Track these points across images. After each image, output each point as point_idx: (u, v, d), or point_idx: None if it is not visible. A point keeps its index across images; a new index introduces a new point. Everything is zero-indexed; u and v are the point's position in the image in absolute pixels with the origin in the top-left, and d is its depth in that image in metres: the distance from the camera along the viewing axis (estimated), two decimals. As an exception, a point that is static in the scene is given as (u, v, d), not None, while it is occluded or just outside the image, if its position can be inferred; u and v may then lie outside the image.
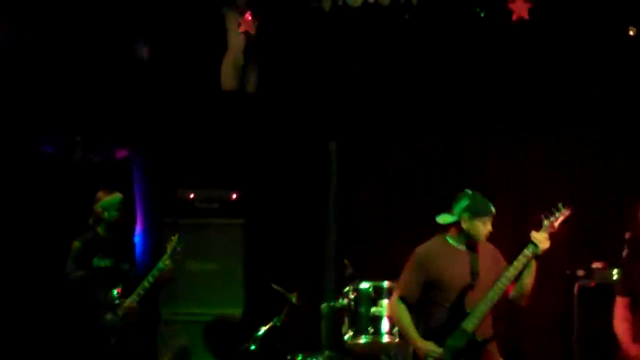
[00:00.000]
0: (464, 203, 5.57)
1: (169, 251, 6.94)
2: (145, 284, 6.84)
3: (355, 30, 8.30)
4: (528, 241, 5.42)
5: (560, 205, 5.49)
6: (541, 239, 5.39)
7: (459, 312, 5.46)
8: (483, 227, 5.54)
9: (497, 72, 8.06)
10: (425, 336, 5.54)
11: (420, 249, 5.71)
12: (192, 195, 8.54)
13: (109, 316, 6.76)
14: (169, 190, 8.61)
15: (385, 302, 6.76)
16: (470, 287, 5.47)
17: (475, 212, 5.53)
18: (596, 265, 6.92)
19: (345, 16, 8.20)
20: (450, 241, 5.62)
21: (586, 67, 7.79)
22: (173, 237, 7.01)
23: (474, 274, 5.50)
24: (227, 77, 8.32)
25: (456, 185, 7.18)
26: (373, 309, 6.79)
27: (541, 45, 7.87)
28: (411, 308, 5.63)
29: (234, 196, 8.52)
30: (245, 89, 8.40)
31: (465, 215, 5.53)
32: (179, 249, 6.98)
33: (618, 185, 7.41)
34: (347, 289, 6.96)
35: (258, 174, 8.61)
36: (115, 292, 6.81)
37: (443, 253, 5.59)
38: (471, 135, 8.17)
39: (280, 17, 8.44)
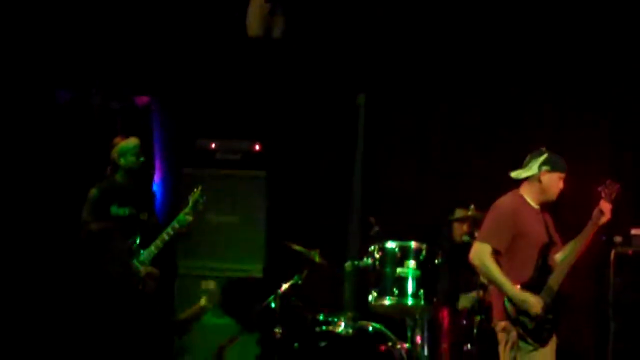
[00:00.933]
0: (543, 157, 5.68)
1: (190, 204, 6.87)
2: (165, 236, 6.77)
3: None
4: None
5: (607, 182, 5.58)
6: (608, 209, 5.49)
7: (545, 268, 5.51)
8: (559, 183, 5.68)
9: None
10: None
11: (505, 202, 5.76)
12: (213, 146, 8.50)
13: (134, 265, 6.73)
14: (190, 139, 8.57)
15: (411, 263, 6.70)
16: (550, 244, 5.55)
17: (554, 166, 5.65)
18: (635, 231, 6.92)
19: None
20: (527, 198, 5.70)
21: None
22: (196, 190, 6.95)
23: (549, 234, 5.62)
24: (253, 22, 8.29)
25: (491, 146, 7.12)
26: (399, 270, 6.70)
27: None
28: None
29: (257, 147, 8.48)
30: (272, 36, 8.35)
31: (546, 168, 5.62)
32: (201, 201, 6.91)
33: None
34: (372, 247, 6.87)
35: (282, 125, 8.58)
36: (136, 243, 6.77)
37: (524, 209, 5.69)
38: (507, 98, 8.14)
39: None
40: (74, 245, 7.10)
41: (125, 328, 6.68)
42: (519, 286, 5.46)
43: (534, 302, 5.41)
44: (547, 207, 5.70)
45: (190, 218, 6.82)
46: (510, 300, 5.47)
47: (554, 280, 5.47)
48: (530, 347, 5.41)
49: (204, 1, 8.43)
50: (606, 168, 6.22)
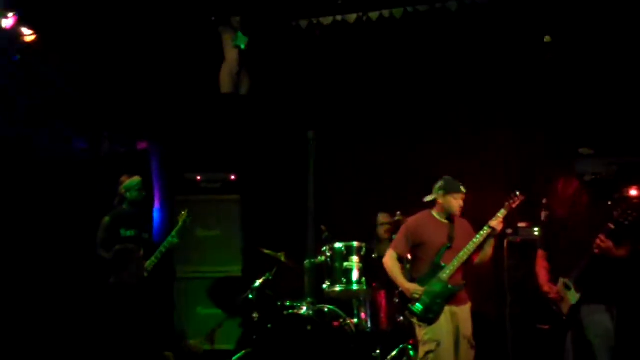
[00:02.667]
0: (439, 184, 5.87)
1: (180, 224, 6.96)
2: (162, 249, 6.86)
3: (327, 42, 8.27)
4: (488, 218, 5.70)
5: (517, 192, 5.78)
6: (495, 224, 5.71)
7: (437, 265, 5.69)
8: (455, 202, 5.81)
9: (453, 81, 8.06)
10: (411, 282, 5.76)
11: (411, 220, 6.00)
12: (198, 177, 8.53)
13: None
14: (180, 173, 8.58)
15: (354, 258, 6.83)
16: (447, 248, 5.71)
17: (447, 190, 5.81)
18: (522, 224, 6.97)
19: (319, 31, 8.17)
20: (434, 214, 5.88)
21: (507, 80, 7.80)
22: (183, 212, 7.04)
23: (450, 239, 5.76)
24: (225, 82, 8.33)
25: (413, 173, 7.27)
26: (345, 264, 6.84)
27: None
28: (401, 261, 5.88)
29: (232, 177, 8.52)
30: (239, 92, 8.39)
31: (441, 192, 5.82)
32: (188, 221, 7.00)
33: (537, 167, 7.43)
34: (324, 248, 7.00)
35: (252, 159, 8.62)
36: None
37: (428, 223, 5.87)
38: (430, 130, 8.14)
39: (266, 34, 8.38)
40: (87, 260, 7.08)
41: (140, 319, 6.71)
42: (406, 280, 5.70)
43: (416, 289, 5.62)
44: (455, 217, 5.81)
45: (176, 241, 6.91)
46: (400, 295, 5.77)
47: (444, 274, 5.63)
48: (424, 324, 5.61)
49: (187, 67, 8.39)
50: (502, 178, 6.31)
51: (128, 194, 6.92)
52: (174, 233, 6.91)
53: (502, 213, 5.72)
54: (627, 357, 5.67)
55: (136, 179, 6.98)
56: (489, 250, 5.77)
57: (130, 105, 8.34)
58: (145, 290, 6.80)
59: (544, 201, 6.45)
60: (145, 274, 6.79)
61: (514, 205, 5.74)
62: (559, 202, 5.75)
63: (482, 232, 5.69)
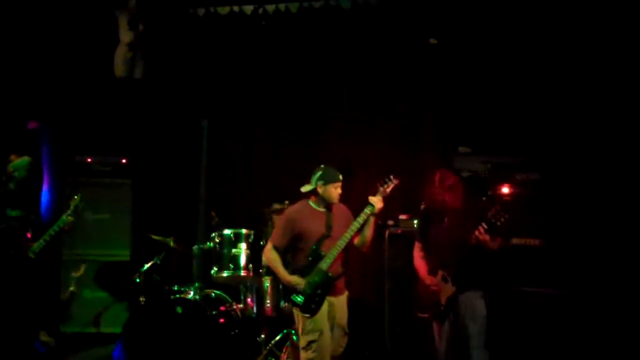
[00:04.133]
0: (318, 173, 5.80)
1: (72, 207, 6.82)
2: (51, 231, 6.70)
3: (223, 31, 8.27)
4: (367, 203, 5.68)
5: (391, 176, 5.79)
6: (376, 201, 5.69)
7: (317, 255, 5.67)
8: (334, 191, 5.77)
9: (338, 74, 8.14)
10: (292, 274, 5.73)
11: (289, 211, 5.93)
12: (89, 160, 8.31)
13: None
14: (71, 155, 8.35)
15: (242, 245, 6.90)
16: (326, 237, 5.70)
17: (327, 180, 5.76)
18: (402, 216, 7.05)
19: (216, 21, 8.20)
20: (312, 204, 5.82)
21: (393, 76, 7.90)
22: (76, 196, 6.89)
23: (329, 227, 5.74)
24: (119, 65, 8.22)
25: (303, 162, 7.36)
26: (234, 250, 6.89)
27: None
28: (281, 253, 5.80)
29: (124, 161, 8.34)
30: (133, 76, 8.27)
31: (320, 183, 5.76)
32: (81, 205, 6.88)
33: (419, 162, 7.60)
34: (213, 234, 7.01)
35: (144, 144, 8.43)
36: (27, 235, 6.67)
37: (306, 213, 5.78)
38: (321, 121, 8.17)
39: (163, 19, 8.31)
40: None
41: (22, 301, 6.58)
42: (288, 271, 5.68)
43: (297, 281, 5.61)
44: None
45: (71, 219, 6.78)
46: (283, 286, 5.78)
47: (324, 264, 5.63)
48: (307, 315, 5.62)
49: (81, 49, 8.22)
50: (384, 169, 6.47)
51: (16, 173, 6.73)
52: (64, 217, 6.77)
53: (379, 195, 5.72)
54: (497, 339, 5.91)
55: (26, 158, 6.82)
56: (368, 232, 5.73)
57: (21, 84, 8.10)
58: (29, 271, 6.65)
59: (422, 206, 6.53)
60: (32, 255, 6.63)
61: (388, 190, 5.74)
62: (435, 194, 5.84)
63: (365, 210, 5.66)
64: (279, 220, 6.04)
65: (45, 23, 8.05)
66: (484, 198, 6.48)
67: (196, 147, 8.02)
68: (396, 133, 7.86)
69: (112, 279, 7.93)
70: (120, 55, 8.14)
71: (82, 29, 8.17)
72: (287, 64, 8.22)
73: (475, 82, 7.48)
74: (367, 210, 5.68)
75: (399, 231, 6.93)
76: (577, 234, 6.36)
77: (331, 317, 5.71)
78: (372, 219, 5.74)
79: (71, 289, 7.45)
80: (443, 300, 5.70)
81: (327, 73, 8.10)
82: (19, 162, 6.79)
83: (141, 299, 6.93)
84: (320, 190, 5.77)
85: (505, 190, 6.62)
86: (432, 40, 7.48)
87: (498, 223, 5.50)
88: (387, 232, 6.94)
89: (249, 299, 7.01)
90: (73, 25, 8.13)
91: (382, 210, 5.78)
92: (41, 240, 6.68)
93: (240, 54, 8.30)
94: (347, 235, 5.67)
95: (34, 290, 6.73)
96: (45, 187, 8.32)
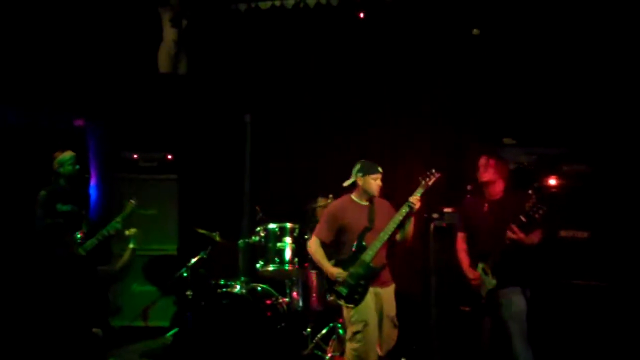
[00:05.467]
0: (357, 167, 5.87)
1: (127, 211, 6.84)
2: (104, 232, 6.72)
3: (264, 26, 8.26)
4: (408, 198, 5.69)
5: (433, 170, 5.80)
6: (414, 201, 5.69)
7: (360, 247, 5.71)
8: (374, 183, 5.82)
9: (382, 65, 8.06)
10: (336, 266, 5.78)
11: (332, 205, 6.03)
12: (135, 156, 8.39)
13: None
14: (117, 152, 8.44)
15: (288, 239, 6.95)
16: (368, 229, 5.73)
17: (365, 172, 5.81)
18: (447, 209, 6.97)
19: (258, 16, 8.19)
20: (354, 198, 5.89)
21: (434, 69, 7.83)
22: (132, 201, 6.92)
23: (371, 220, 5.77)
24: (163, 62, 8.25)
25: (345, 156, 7.34)
26: (278, 244, 6.93)
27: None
28: (325, 246, 5.86)
29: (170, 157, 8.41)
30: (177, 72, 8.30)
31: (359, 175, 5.82)
32: (134, 212, 6.90)
33: (464, 154, 7.47)
34: (258, 228, 7.04)
35: (189, 139, 8.50)
36: (78, 234, 6.72)
37: (348, 207, 5.86)
38: (363, 115, 8.13)
39: (205, 15, 8.33)
40: (29, 235, 6.89)
41: (70, 294, 6.54)
42: (332, 263, 5.73)
43: (340, 273, 5.66)
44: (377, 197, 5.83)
45: (119, 226, 6.78)
46: (327, 278, 5.78)
47: (367, 256, 5.65)
48: (350, 306, 5.65)
49: (126, 46, 8.28)
50: (427, 163, 6.41)
51: (61, 169, 6.79)
52: (118, 219, 6.80)
53: (419, 191, 5.72)
54: (541, 334, 5.88)
55: (68, 153, 6.86)
56: (409, 228, 5.77)
57: (68, 82, 8.16)
58: (78, 266, 6.66)
59: (468, 187, 6.51)
60: (84, 253, 6.68)
61: (430, 183, 5.73)
62: (481, 178, 5.82)
63: (402, 210, 5.69)
64: (322, 214, 6.06)
65: (91, 21, 8.10)
66: (529, 190, 6.35)
67: (240, 141, 7.98)
68: (439, 125, 7.81)
69: (160, 273, 8.00)
70: (164, 52, 8.17)
71: (126, 27, 8.23)
72: (329, 57, 8.19)
73: (519, 72, 7.37)
74: (404, 210, 5.72)
75: (444, 224, 6.88)
76: (626, 226, 6.23)
77: (378, 308, 5.72)
78: (411, 217, 5.77)
79: (131, 246, 7.14)
80: (483, 293, 5.69)
81: (369, 65, 8.04)
82: (62, 157, 6.84)
83: (188, 293, 6.98)
84: (360, 182, 5.83)
85: (551, 182, 6.53)
86: (475, 31, 7.37)
87: (536, 215, 5.43)
88: (432, 225, 6.91)
89: (294, 293, 7.02)
90: (118, 23, 8.18)
91: (420, 208, 5.79)
92: (94, 240, 6.72)
93: (281, 48, 8.30)
94: (389, 228, 5.71)
95: (84, 285, 6.73)
96: (92, 184, 8.42)
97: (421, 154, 7.57)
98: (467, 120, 7.69)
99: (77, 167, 6.86)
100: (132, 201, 6.91)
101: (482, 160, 5.89)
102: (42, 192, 6.76)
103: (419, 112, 7.89)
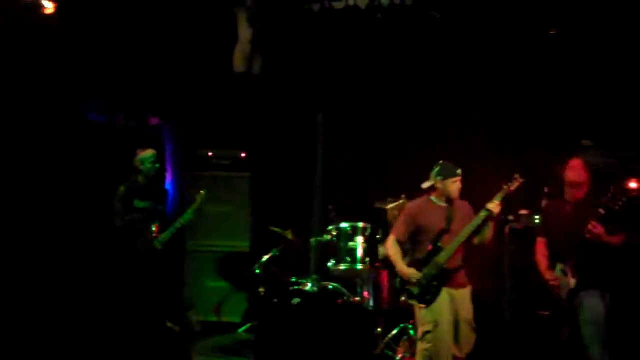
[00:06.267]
0: (436, 169, 5.82)
1: (198, 203, 6.96)
2: (177, 224, 6.88)
3: (338, 26, 8.18)
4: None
5: (516, 175, 5.71)
6: (493, 207, 5.63)
7: (436, 249, 5.69)
8: (453, 186, 5.77)
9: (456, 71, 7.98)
10: (410, 266, 5.78)
11: (411, 205, 6.02)
12: (210, 154, 8.51)
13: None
14: (192, 150, 8.57)
15: (359, 238, 6.92)
16: (445, 231, 5.70)
17: (445, 175, 5.77)
18: (523, 212, 6.92)
19: (331, 16, 8.10)
20: (433, 199, 5.85)
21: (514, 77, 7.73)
22: (202, 192, 7.02)
23: (449, 222, 5.73)
24: (238, 62, 8.24)
25: (418, 157, 7.31)
26: (350, 244, 6.92)
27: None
28: (401, 245, 5.85)
29: (243, 155, 8.50)
30: (252, 71, 8.30)
31: (439, 178, 5.78)
32: (205, 202, 7.02)
33: (540, 157, 7.36)
34: (330, 227, 7.05)
35: (262, 138, 8.55)
36: (153, 227, 6.87)
37: (427, 208, 5.84)
38: (436, 115, 8.07)
39: (280, 15, 8.33)
40: (108, 228, 7.04)
41: (148, 290, 6.80)
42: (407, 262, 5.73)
43: (414, 274, 5.64)
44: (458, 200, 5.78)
45: (192, 217, 6.91)
46: (400, 278, 5.77)
47: (441, 258, 5.62)
48: (422, 306, 5.64)
49: (201, 46, 8.35)
50: (503, 165, 6.32)
51: (142, 167, 6.93)
52: (190, 210, 6.92)
53: (500, 196, 5.66)
54: (617, 343, 5.68)
55: (150, 151, 6.99)
56: (488, 232, 5.72)
57: (145, 81, 8.30)
58: (156, 261, 6.85)
59: (546, 190, 6.43)
60: (159, 246, 6.83)
61: (512, 188, 5.66)
62: (565, 182, 5.70)
63: (480, 215, 5.64)
64: (401, 214, 6.05)
65: (167, 22, 8.20)
66: (609, 194, 6.19)
67: (312, 141, 8.01)
68: (516, 127, 7.69)
69: (233, 270, 8.10)
70: (240, 52, 8.18)
71: (202, 27, 8.29)
72: (402, 57, 8.12)
73: (597, 73, 7.22)
74: (482, 214, 5.65)
75: (520, 227, 6.80)
76: None
77: (453, 310, 5.67)
78: (490, 222, 5.70)
79: (203, 193, 7.11)
80: (564, 296, 5.55)
81: (443, 65, 7.95)
82: (144, 155, 6.97)
83: (261, 290, 7.06)
84: (439, 185, 5.79)
85: (632, 185, 6.35)
86: (552, 31, 7.20)
87: (616, 207, 5.30)
88: (507, 228, 6.83)
89: (365, 292, 7.00)
90: (194, 23, 8.25)
91: (500, 213, 5.71)
92: (168, 232, 6.87)
93: (354, 48, 8.24)
94: (466, 232, 5.66)
95: (162, 279, 6.94)
96: (168, 180, 8.58)
97: (496, 156, 7.47)
98: (544, 121, 7.56)
99: (157, 165, 7.01)
100: (202, 192, 7.00)
101: (575, 162, 5.77)
102: (122, 188, 6.92)
103: (495, 114, 7.78)
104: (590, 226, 5.36)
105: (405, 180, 7.05)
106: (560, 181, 5.80)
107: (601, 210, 5.34)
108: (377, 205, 7.15)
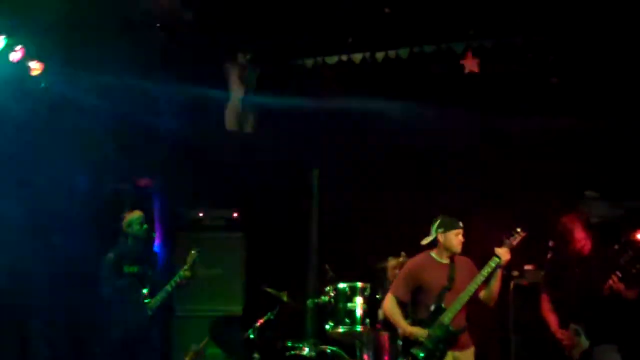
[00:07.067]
0: (437, 222, 5.69)
1: (189, 262, 6.77)
2: (169, 287, 6.67)
3: (332, 80, 8.19)
4: (492, 255, 5.49)
5: (518, 229, 5.58)
6: (503, 252, 5.48)
7: (438, 308, 5.50)
8: (456, 239, 5.62)
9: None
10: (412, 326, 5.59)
11: (411, 263, 5.83)
12: (201, 214, 8.43)
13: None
14: (182, 210, 8.49)
15: (358, 299, 6.75)
16: (447, 290, 5.53)
17: (447, 227, 5.63)
18: (528, 267, 6.86)
19: (324, 71, 8.08)
20: (434, 256, 5.69)
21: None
22: (193, 251, 6.84)
23: (451, 280, 5.57)
24: (230, 119, 8.18)
25: (417, 214, 7.15)
26: (349, 304, 6.75)
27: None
28: (401, 305, 5.68)
29: (235, 215, 8.43)
30: (244, 129, 8.24)
31: (440, 231, 5.63)
32: (197, 261, 6.81)
33: (544, 210, 7.16)
34: (328, 288, 6.90)
35: (255, 197, 8.50)
36: (144, 291, 6.67)
37: (427, 265, 5.67)
38: (434, 170, 8.05)
39: (272, 72, 8.30)
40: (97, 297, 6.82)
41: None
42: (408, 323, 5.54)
43: (419, 333, 5.46)
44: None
45: (188, 274, 6.71)
46: (403, 339, 5.56)
47: (446, 317, 5.45)
48: None
49: (191, 105, 8.24)
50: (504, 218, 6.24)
51: (130, 229, 6.75)
52: (181, 272, 6.73)
53: (506, 246, 5.52)
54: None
55: (137, 213, 6.84)
56: (495, 285, 5.53)
57: (132, 141, 8.18)
58: (147, 329, 6.64)
59: (550, 244, 6.28)
60: (150, 312, 6.62)
61: (514, 243, 5.53)
62: (564, 241, 5.66)
63: (490, 263, 5.45)
64: (401, 272, 5.91)
65: (156, 78, 8.11)
66: (616, 246, 6.09)
67: (307, 199, 7.97)
68: (517, 178, 7.62)
69: (226, 335, 7.85)
70: (232, 109, 8.13)
71: (193, 83, 8.23)
72: (397, 112, 7.98)
73: (602, 122, 7.14)
74: (492, 263, 5.48)
75: (525, 283, 6.77)
76: None
77: None
78: (498, 272, 5.53)
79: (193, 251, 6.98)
80: (576, 355, 5.46)
81: (438, 117, 7.85)
82: (131, 217, 6.81)
83: (255, 355, 6.86)
84: (441, 238, 5.65)
85: (640, 236, 6.24)
86: (554, 80, 7.18)
87: (633, 270, 5.26)
88: (512, 284, 6.80)
89: (365, 355, 6.85)
90: (184, 79, 8.20)
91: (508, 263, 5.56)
92: (158, 297, 6.66)
93: (349, 103, 8.14)
94: (471, 288, 5.49)
95: (153, 346, 6.73)
96: (158, 242, 8.39)
97: (496, 210, 7.35)
98: (547, 172, 7.50)
99: (145, 226, 6.83)
100: (193, 252, 6.84)
101: (570, 220, 5.70)
102: (109, 255, 6.73)
103: (497, 166, 7.73)
104: (611, 281, 5.31)
105: (404, 237, 6.95)
106: (563, 236, 5.73)
107: (618, 274, 5.31)
108: (379, 265, 7.06)
